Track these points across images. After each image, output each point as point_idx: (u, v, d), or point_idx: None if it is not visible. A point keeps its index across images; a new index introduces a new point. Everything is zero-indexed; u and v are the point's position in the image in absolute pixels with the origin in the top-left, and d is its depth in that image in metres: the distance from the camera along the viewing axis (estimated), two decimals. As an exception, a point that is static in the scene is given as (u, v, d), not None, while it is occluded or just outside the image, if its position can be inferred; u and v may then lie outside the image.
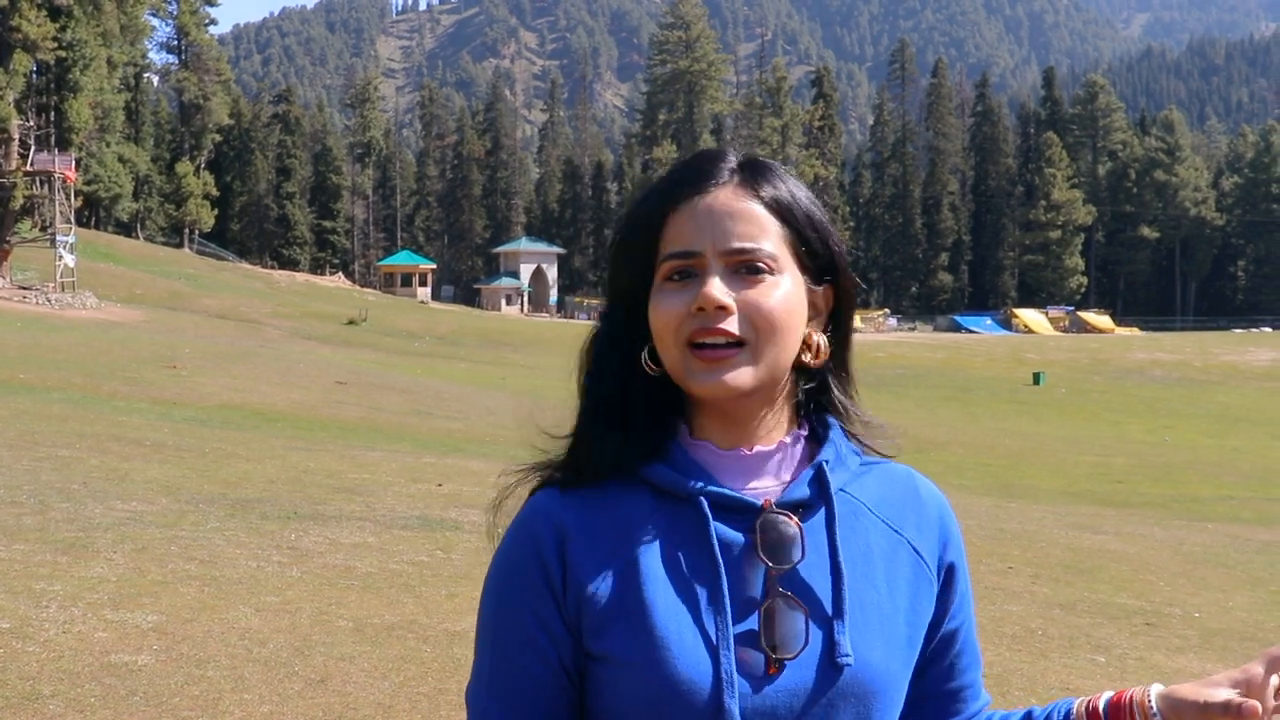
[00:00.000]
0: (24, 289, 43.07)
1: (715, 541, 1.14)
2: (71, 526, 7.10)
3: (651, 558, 1.14)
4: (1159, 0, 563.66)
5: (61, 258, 43.54)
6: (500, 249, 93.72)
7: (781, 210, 1.18)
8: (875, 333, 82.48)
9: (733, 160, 1.21)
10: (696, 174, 1.19)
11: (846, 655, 1.12)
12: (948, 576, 1.25)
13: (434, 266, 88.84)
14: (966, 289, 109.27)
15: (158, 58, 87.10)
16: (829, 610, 1.14)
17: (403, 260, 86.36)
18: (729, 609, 1.12)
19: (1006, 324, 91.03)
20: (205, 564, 6.45)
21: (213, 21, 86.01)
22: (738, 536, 1.15)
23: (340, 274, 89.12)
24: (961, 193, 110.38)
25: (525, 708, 1.15)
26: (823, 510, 1.18)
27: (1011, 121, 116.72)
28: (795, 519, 1.17)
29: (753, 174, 1.20)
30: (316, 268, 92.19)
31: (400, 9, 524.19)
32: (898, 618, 1.18)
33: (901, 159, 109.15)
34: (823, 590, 1.15)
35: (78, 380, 18.06)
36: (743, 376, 1.14)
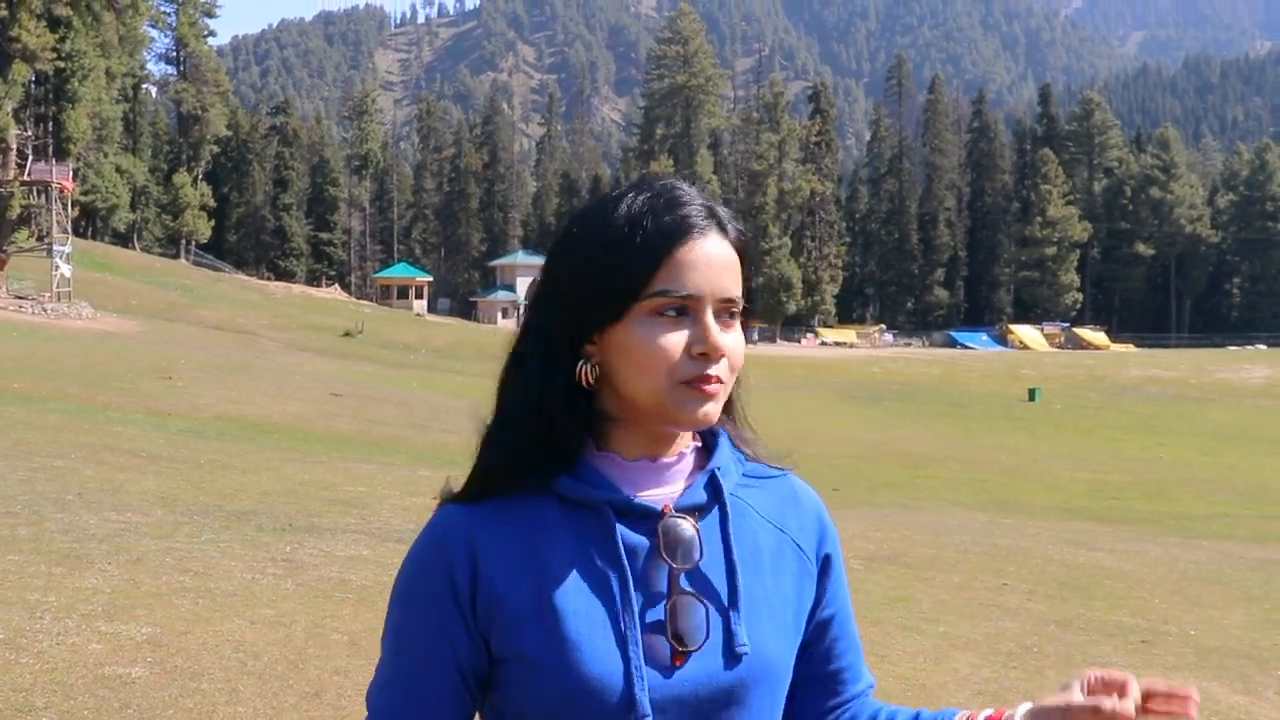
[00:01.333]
0: (20, 299, 43.01)
1: (621, 546, 1.22)
2: (66, 537, 7.08)
3: (561, 563, 1.21)
4: (1155, 18, 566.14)
5: (58, 268, 43.50)
6: (497, 262, 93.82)
7: (744, 254, 1.28)
8: (871, 348, 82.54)
9: (701, 200, 1.28)
10: (689, 218, 1.24)
11: (744, 645, 1.22)
12: (824, 567, 1.37)
13: (430, 279, 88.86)
14: (962, 305, 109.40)
15: (156, 69, 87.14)
16: (726, 604, 1.23)
17: (399, 273, 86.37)
18: (636, 608, 1.20)
19: (1002, 340, 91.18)
20: (200, 576, 6.43)
21: (211, 33, 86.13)
22: (642, 540, 1.24)
23: (336, 286, 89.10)
24: (958, 209, 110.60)
25: (425, 713, 1.23)
26: (717, 512, 1.28)
27: (1008, 138, 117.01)
28: (693, 521, 1.26)
29: (719, 216, 1.27)
30: (313, 279, 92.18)
31: (398, 22, 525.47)
32: (786, 608, 1.29)
33: (898, 175, 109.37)
34: (720, 586, 1.24)
35: (73, 390, 18.03)
36: (716, 411, 1.24)
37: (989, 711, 1.28)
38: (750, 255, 1.29)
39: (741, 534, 1.28)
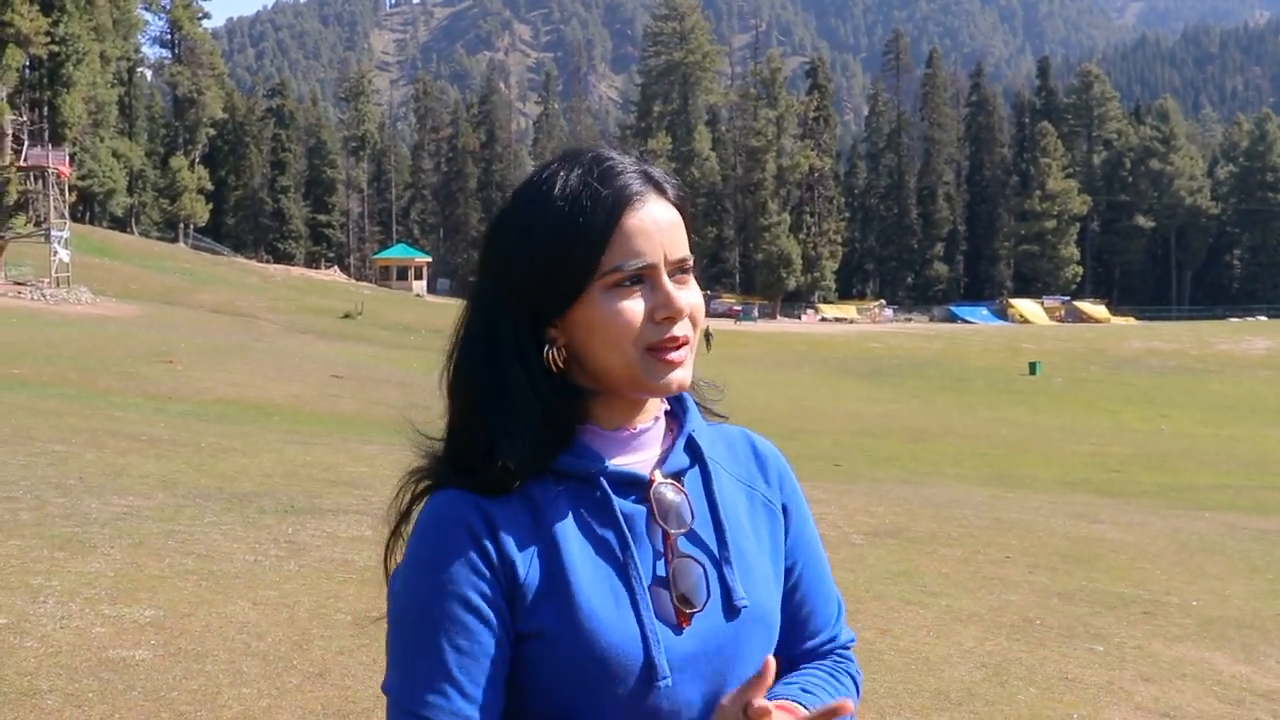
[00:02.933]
0: (18, 284, 42.95)
1: (620, 516, 1.24)
2: (68, 522, 7.08)
3: (566, 537, 1.23)
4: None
5: (56, 253, 43.42)
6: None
7: (684, 211, 1.29)
8: (871, 324, 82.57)
9: (634, 165, 1.27)
10: (628, 187, 1.24)
11: (742, 598, 1.26)
12: (785, 517, 1.40)
13: (429, 260, 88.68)
14: (962, 279, 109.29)
15: (151, 52, 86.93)
16: (720, 561, 1.27)
17: (398, 254, 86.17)
18: (642, 575, 1.23)
19: (1002, 314, 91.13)
20: (202, 558, 6.44)
21: (206, 15, 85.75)
22: (636, 508, 1.26)
23: (335, 268, 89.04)
24: (956, 183, 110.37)
25: (484, 683, 1.19)
26: (698, 473, 1.32)
27: (1006, 111, 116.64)
28: (680, 486, 1.29)
29: (654, 178, 1.27)
30: (311, 261, 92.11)
31: (394, 2, 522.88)
32: (765, 559, 1.33)
33: (896, 149, 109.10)
34: (711, 544, 1.28)
35: (73, 376, 18.03)
36: (688, 371, 1.27)
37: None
38: (690, 211, 1.30)
39: (722, 493, 1.32)
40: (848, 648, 1.45)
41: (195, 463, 10.15)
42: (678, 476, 1.30)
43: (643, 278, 1.23)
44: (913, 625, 6.23)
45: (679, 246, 1.25)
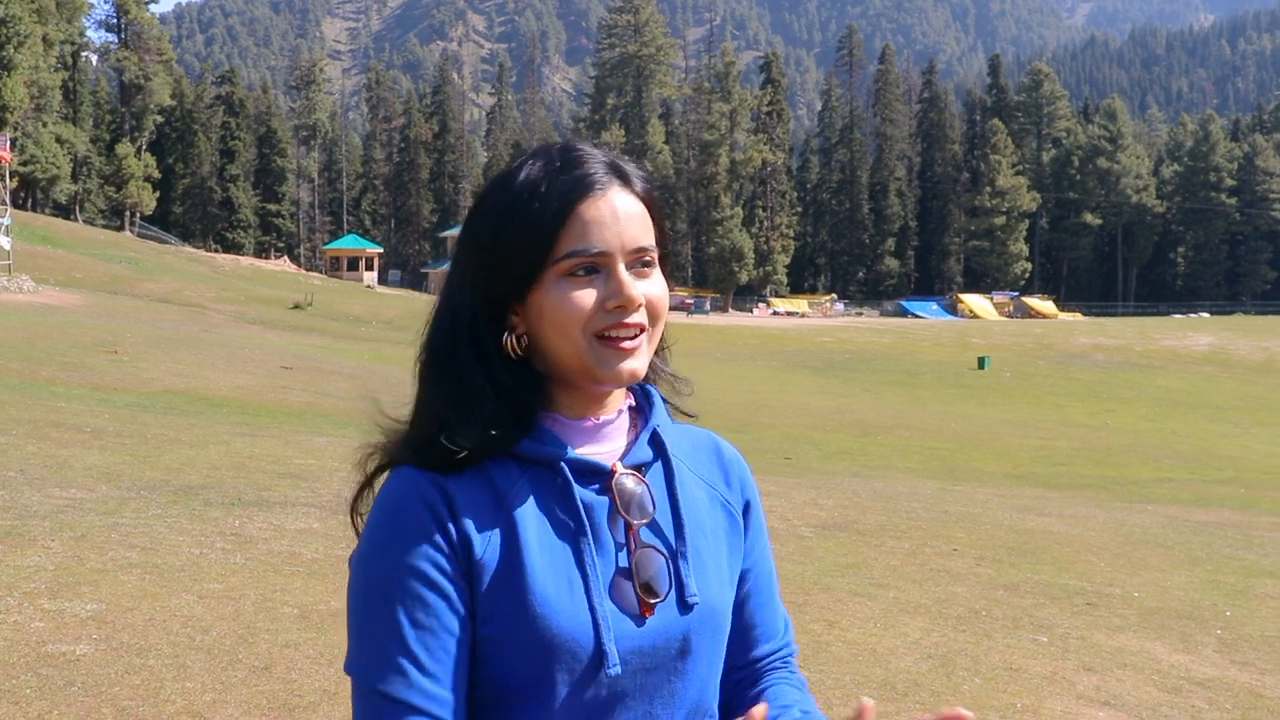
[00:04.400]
0: (-41, 272, 42.10)
1: (580, 504, 1.24)
2: (7, 515, 6.96)
3: (525, 523, 1.23)
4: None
5: (-2, 240, 42.60)
6: (448, 233, 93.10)
7: (652, 204, 1.29)
8: (823, 318, 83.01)
9: (603, 157, 1.28)
10: (588, 176, 1.25)
11: (694, 594, 1.27)
12: (744, 522, 1.41)
13: (381, 250, 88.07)
14: (913, 274, 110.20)
15: (96, 36, 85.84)
16: (675, 555, 1.28)
17: (349, 244, 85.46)
18: (598, 563, 1.23)
19: (952, 309, 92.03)
20: (146, 551, 6.36)
21: (153, 0, 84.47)
22: (597, 498, 1.26)
23: (285, 258, 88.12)
24: (908, 179, 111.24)
25: (446, 659, 1.18)
26: (660, 468, 1.33)
27: (958, 108, 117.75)
28: (643, 478, 1.30)
29: (623, 171, 1.28)
30: (261, 251, 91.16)
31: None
32: (722, 561, 1.34)
33: (849, 145, 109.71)
34: (669, 538, 1.29)
35: (14, 366, 17.71)
36: (641, 362, 1.26)
37: None
38: (658, 204, 1.30)
39: (683, 489, 1.33)
40: (793, 656, 1.47)
41: (140, 454, 10.01)
42: (639, 469, 1.31)
43: (598, 267, 1.23)
44: (860, 617, 6.28)
45: (638, 237, 1.25)
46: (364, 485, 1.33)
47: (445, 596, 1.19)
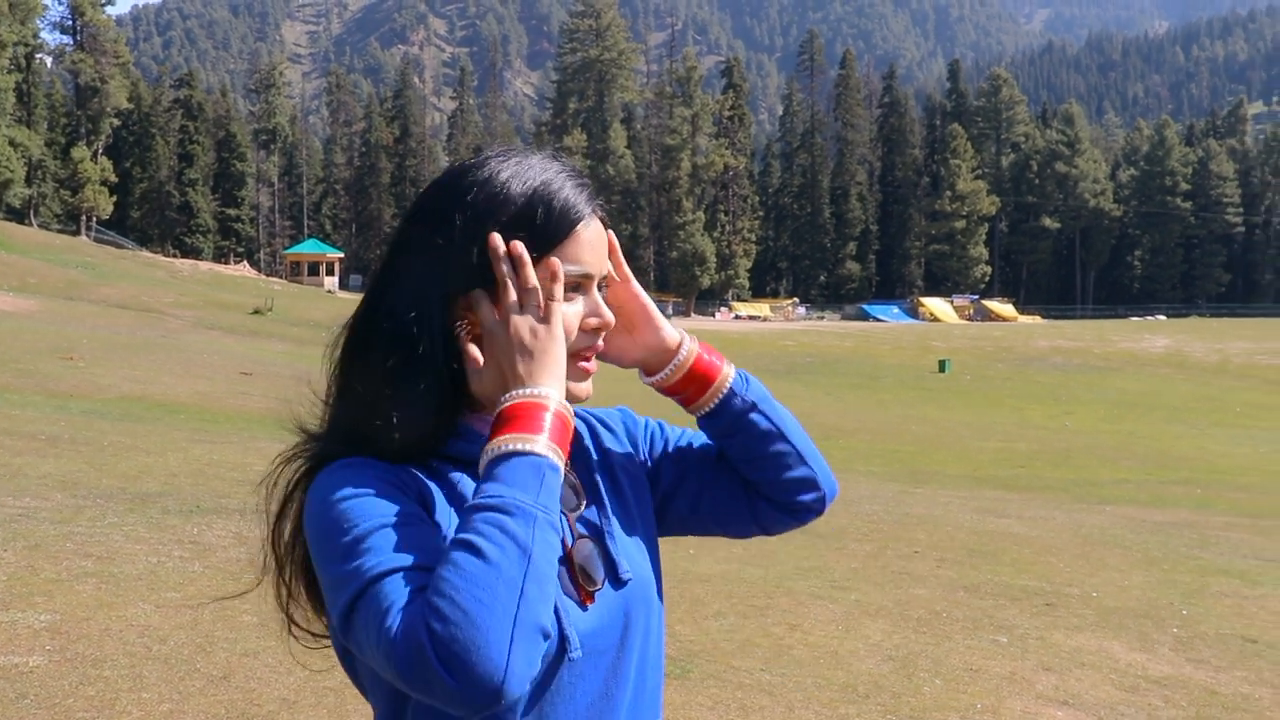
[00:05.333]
0: (-89, 278, 41.45)
1: None
2: (-39, 523, 6.86)
3: None
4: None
5: (-49, 246, 41.98)
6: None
7: (608, 229, 1.34)
8: (784, 321, 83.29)
9: (584, 178, 1.31)
10: (587, 202, 1.29)
11: (627, 571, 1.30)
12: (647, 444, 1.47)
13: (341, 255, 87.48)
14: (874, 278, 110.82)
15: (51, 38, 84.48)
16: (605, 538, 1.31)
17: (309, 249, 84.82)
18: None
19: (913, 313, 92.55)
20: (103, 560, 6.28)
21: (109, 1, 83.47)
22: None
23: (245, 263, 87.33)
24: (869, 183, 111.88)
25: (425, 545, 1.14)
26: (576, 455, 1.36)
27: (918, 113, 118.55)
28: (568, 468, 1.32)
29: (594, 195, 1.31)
30: (221, 256, 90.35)
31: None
32: (640, 527, 1.39)
33: (810, 149, 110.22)
34: (597, 521, 1.33)
35: (-32, 372, 17.45)
36: (591, 383, 1.33)
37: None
38: (609, 230, 1.35)
39: (598, 470, 1.38)
40: None
41: (96, 462, 9.89)
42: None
43: (579, 287, 1.28)
44: (822, 619, 6.30)
45: (606, 263, 1.31)
46: (285, 503, 1.31)
47: (425, 521, 1.18)
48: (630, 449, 1.46)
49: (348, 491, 1.18)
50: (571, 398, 1.28)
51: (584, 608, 1.25)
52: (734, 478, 1.44)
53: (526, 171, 1.27)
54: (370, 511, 1.15)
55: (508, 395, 1.19)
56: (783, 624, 6.13)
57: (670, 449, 1.48)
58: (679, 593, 6.54)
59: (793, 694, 4.96)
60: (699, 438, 1.48)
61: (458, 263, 1.24)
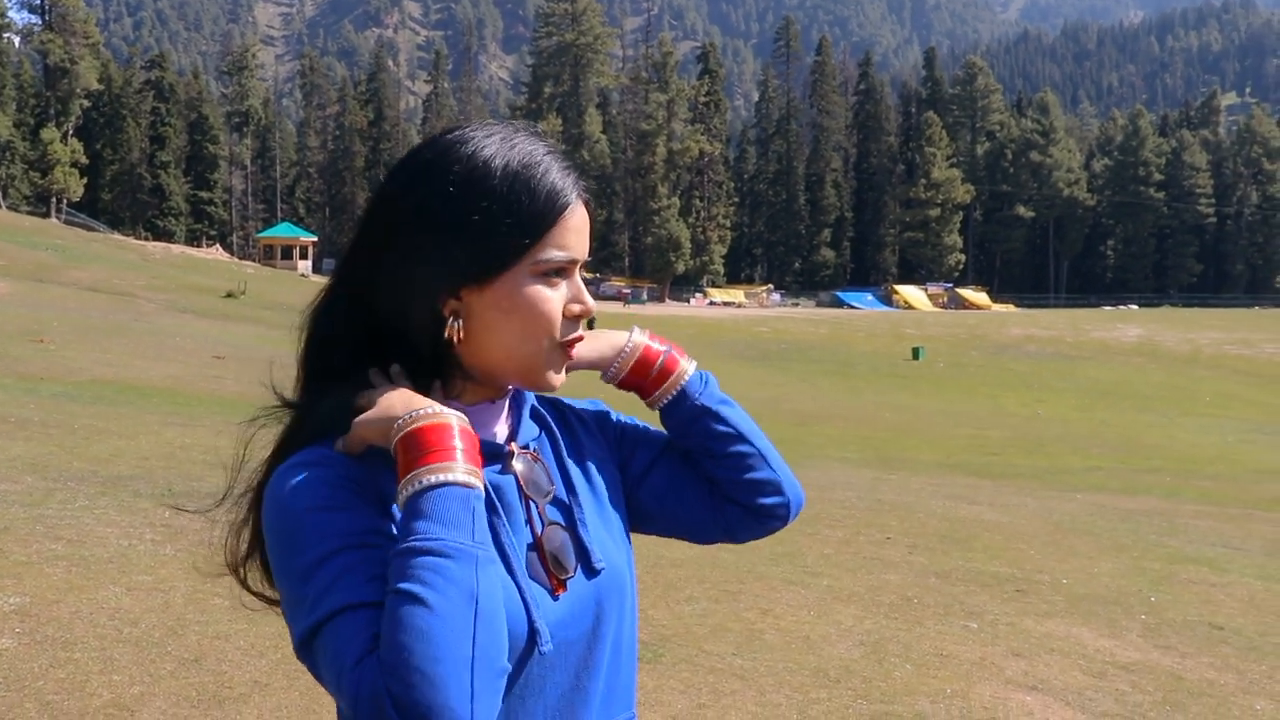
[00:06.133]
0: (-122, 259, 40.97)
1: (490, 487, 1.23)
2: (-72, 506, 6.80)
3: None
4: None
5: (-82, 226, 41.51)
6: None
7: (591, 214, 1.32)
8: (759, 308, 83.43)
9: (571, 162, 1.30)
10: (573, 186, 1.27)
11: (600, 560, 1.29)
12: (617, 434, 1.46)
13: (315, 239, 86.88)
14: (848, 265, 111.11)
15: (18, 17, 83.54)
16: (576, 526, 1.30)
17: (283, 232, 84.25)
18: (518, 544, 1.24)
19: (887, 300, 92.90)
20: (73, 543, 6.24)
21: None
22: (503, 478, 1.27)
23: (218, 246, 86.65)
24: (844, 170, 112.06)
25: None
26: (547, 441, 1.36)
27: (893, 100, 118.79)
28: (537, 455, 1.32)
29: (580, 180, 1.30)
30: (193, 239, 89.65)
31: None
32: (613, 516, 1.37)
33: (786, 135, 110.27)
34: (568, 509, 1.31)
35: (-64, 354, 17.29)
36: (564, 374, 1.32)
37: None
38: (594, 216, 1.34)
39: (570, 458, 1.36)
40: None
41: (67, 445, 9.83)
42: (528, 446, 1.33)
43: (563, 272, 1.26)
44: (794, 605, 6.33)
45: (588, 248, 1.30)
46: (257, 501, 1.28)
47: (379, 531, 1.15)
48: (603, 439, 1.44)
49: (307, 501, 1.15)
50: (548, 387, 1.28)
51: (555, 597, 1.24)
52: (701, 479, 1.44)
53: (511, 151, 1.24)
54: (329, 530, 1.13)
55: (402, 420, 1.16)
56: (755, 609, 6.16)
57: (641, 444, 1.46)
58: (652, 577, 6.56)
59: (764, 678, 4.99)
60: (655, 442, 1.48)
61: (441, 257, 1.21)
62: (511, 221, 1.21)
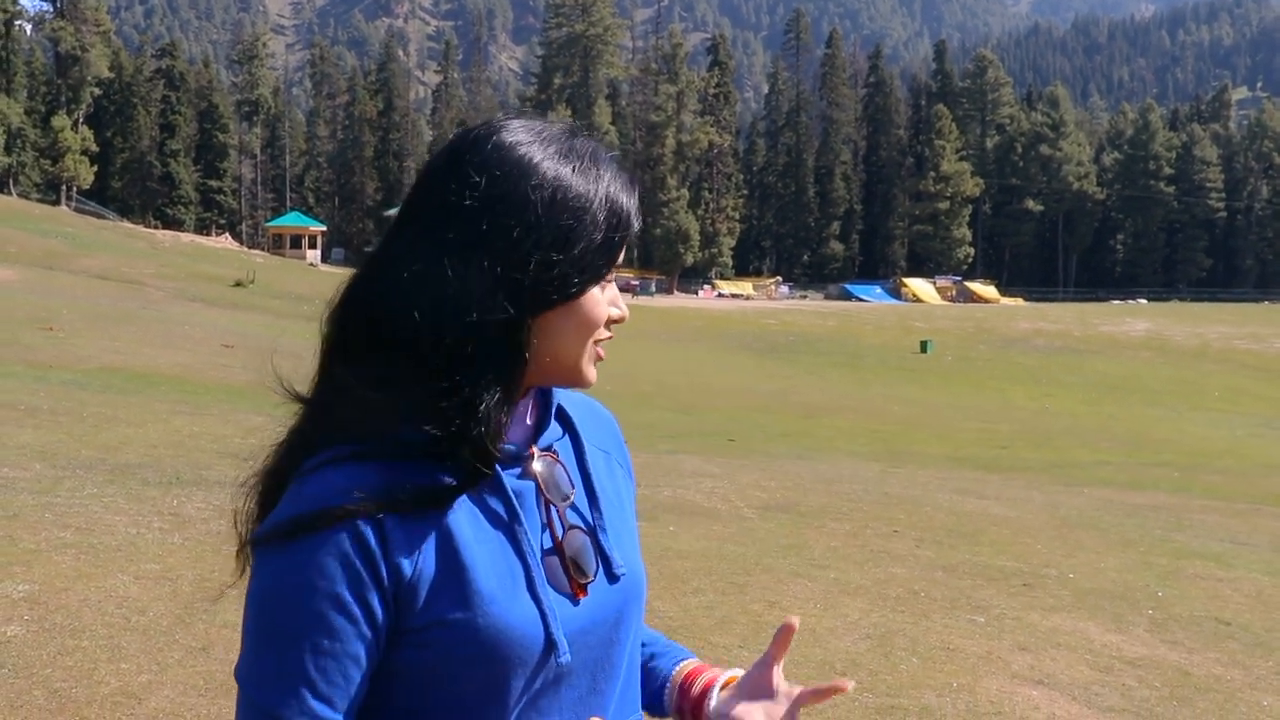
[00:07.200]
0: (-112, 246, 41.08)
1: (510, 492, 1.22)
2: (-62, 493, 6.83)
3: (459, 519, 1.18)
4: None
5: (-71, 214, 41.61)
6: (392, 211, 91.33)
7: None
8: (767, 300, 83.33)
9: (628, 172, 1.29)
10: (636, 205, 1.27)
11: (621, 566, 1.28)
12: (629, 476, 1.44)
13: (324, 229, 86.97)
14: (857, 258, 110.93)
15: (30, 4, 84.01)
16: (597, 531, 1.28)
17: (292, 222, 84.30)
18: (536, 551, 1.21)
19: (896, 293, 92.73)
20: (81, 531, 6.26)
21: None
22: (523, 483, 1.24)
23: (227, 235, 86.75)
24: (853, 162, 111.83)
25: (341, 684, 1.13)
26: (570, 445, 1.33)
27: (903, 93, 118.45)
28: (557, 458, 1.29)
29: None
30: (202, 228, 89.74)
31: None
32: (631, 524, 1.37)
33: (795, 128, 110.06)
34: (588, 514, 1.29)
35: (-54, 341, 17.34)
36: None
37: (694, 669, 1.44)
38: None
39: (592, 461, 1.34)
40: None
41: (76, 433, 9.86)
42: (550, 448, 1.29)
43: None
44: (800, 597, 6.33)
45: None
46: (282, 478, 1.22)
47: (354, 621, 1.12)
48: (620, 455, 1.43)
49: (290, 582, 1.13)
50: (586, 382, 1.27)
51: (576, 601, 1.22)
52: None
53: (596, 183, 1.22)
54: (301, 628, 1.12)
55: None
56: (761, 601, 6.16)
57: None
58: (658, 569, 6.57)
59: (771, 671, 4.98)
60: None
61: (531, 274, 1.17)
62: (603, 255, 1.21)
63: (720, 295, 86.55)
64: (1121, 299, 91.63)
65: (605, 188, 1.22)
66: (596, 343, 1.26)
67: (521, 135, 1.22)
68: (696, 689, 1.41)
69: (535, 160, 1.20)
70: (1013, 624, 6.16)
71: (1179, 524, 10.16)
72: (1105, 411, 26.95)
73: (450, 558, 1.16)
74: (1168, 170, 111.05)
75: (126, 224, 73.85)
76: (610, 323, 1.26)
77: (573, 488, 1.29)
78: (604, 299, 1.24)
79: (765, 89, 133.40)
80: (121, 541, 6.14)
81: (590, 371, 1.26)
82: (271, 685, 1.12)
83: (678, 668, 1.44)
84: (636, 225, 1.26)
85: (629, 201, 1.25)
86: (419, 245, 1.19)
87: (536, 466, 1.26)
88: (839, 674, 5.04)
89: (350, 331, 1.23)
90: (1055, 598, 6.86)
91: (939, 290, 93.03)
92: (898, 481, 12.03)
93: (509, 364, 1.19)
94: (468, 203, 1.18)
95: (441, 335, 1.16)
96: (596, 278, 1.21)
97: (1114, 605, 6.78)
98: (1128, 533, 9.42)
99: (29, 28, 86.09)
